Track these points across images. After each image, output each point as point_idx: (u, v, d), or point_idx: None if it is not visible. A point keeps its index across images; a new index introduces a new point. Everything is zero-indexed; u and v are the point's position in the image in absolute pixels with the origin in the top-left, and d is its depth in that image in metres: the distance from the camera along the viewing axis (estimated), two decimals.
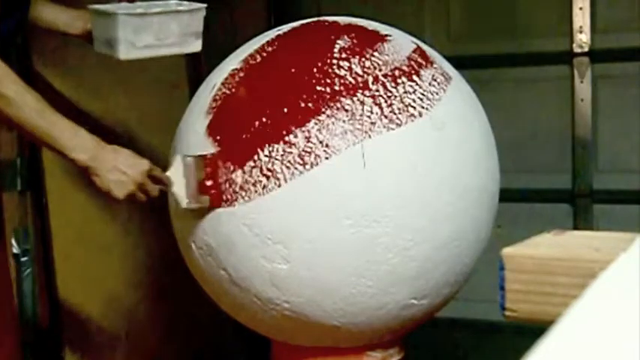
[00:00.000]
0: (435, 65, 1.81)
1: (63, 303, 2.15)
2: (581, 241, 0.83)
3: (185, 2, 1.78)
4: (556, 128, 2.75)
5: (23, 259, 2.08)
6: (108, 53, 1.65)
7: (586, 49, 2.68)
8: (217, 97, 1.80)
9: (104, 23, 1.64)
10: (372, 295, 1.67)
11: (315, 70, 1.71)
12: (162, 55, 1.71)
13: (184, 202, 1.63)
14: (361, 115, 1.64)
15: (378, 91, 1.67)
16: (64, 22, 1.78)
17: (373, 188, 1.62)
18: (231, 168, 1.69)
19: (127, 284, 2.38)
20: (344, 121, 1.63)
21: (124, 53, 1.61)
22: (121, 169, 1.53)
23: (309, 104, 1.65)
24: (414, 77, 1.73)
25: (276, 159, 1.63)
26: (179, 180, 1.63)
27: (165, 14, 1.67)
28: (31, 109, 1.47)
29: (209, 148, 1.73)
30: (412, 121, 1.66)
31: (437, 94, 1.73)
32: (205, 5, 1.72)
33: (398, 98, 1.68)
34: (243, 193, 1.66)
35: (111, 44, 1.61)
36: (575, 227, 2.68)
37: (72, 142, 1.50)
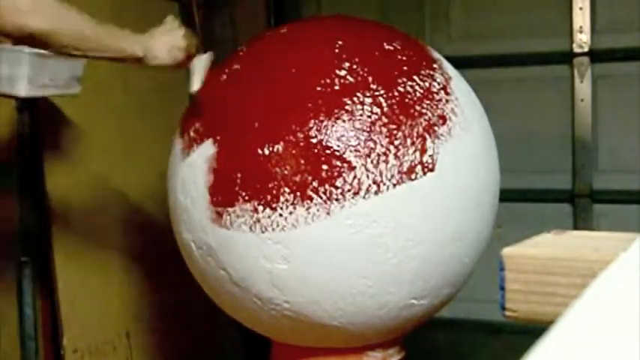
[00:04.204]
0: (434, 65, 1.81)
1: (63, 303, 2.14)
2: (581, 241, 0.83)
3: None
4: (556, 128, 2.75)
5: (23, 259, 2.08)
6: (2, 92, 1.72)
7: (586, 49, 2.68)
8: (217, 97, 1.80)
9: (5, 60, 1.69)
10: (372, 295, 1.67)
11: (315, 69, 1.71)
12: (52, 96, 1.82)
13: (194, 87, 1.77)
14: (361, 115, 1.64)
15: (378, 91, 1.67)
16: None
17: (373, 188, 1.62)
18: (231, 168, 1.69)
19: (127, 284, 2.38)
20: (344, 121, 1.63)
21: (26, 90, 1.69)
22: (169, 45, 1.70)
23: (309, 104, 1.66)
24: (414, 77, 1.73)
25: (276, 159, 1.64)
26: (199, 68, 1.78)
27: (61, 57, 1.74)
28: (77, 30, 1.53)
29: (209, 148, 1.73)
30: (412, 121, 1.66)
31: (437, 94, 1.73)
32: None
33: (398, 98, 1.68)
34: (243, 193, 1.66)
35: (10, 81, 1.68)
36: (575, 227, 2.68)
37: (126, 42, 1.62)
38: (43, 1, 1.49)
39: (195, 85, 1.77)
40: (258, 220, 1.64)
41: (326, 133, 1.63)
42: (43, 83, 1.73)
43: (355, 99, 1.65)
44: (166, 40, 1.70)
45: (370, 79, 1.68)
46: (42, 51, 1.69)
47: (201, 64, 1.78)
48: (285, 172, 1.63)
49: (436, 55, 1.88)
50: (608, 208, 2.70)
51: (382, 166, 1.62)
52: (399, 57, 1.76)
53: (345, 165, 1.61)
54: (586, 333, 0.42)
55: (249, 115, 1.70)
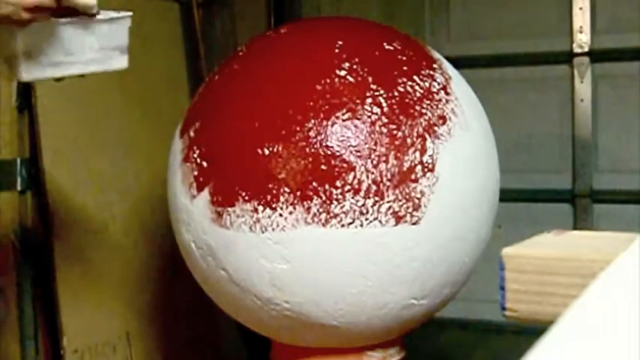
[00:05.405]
0: (434, 65, 1.81)
1: (63, 303, 2.14)
2: (581, 241, 0.83)
3: (108, 12, 1.44)
4: (556, 128, 2.75)
5: (23, 259, 2.08)
6: (7, 75, 1.42)
7: (586, 49, 2.68)
8: (217, 97, 1.81)
9: (1, 38, 1.34)
10: (372, 295, 1.67)
11: (315, 69, 1.71)
12: (76, 75, 1.43)
13: None
14: (361, 115, 1.64)
15: (377, 91, 1.67)
16: None
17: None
18: (231, 168, 1.69)
19: (127, 284, 2.38)
20: (344, 121, 1.63)
21: (27, 72, 1.34)
22: None
23: (309, 104, 1.66)
24: (414, 77, 1.73)
25: (276, 158, 1.64)
26: None
27: (76, 25, 1.35)
28: None
29: (209, 148, 1.73)
30: (412, 121, 1.66)
31: (437, 94, 1.73)
32: (130, 14, 1.41)
33: (398, 98, 1.68)
34: (243, 193, 1.66)
35: (10, 63, 1.34)
36: (575, 227, 2.68)
37: None
38: None
39: None
40: (258, 220, 1.64)
41: (326, 134, 1.63)
42: (56, 60, 1.35)
43: (355, 99, 1.65)
44: None
45: (370, 79, 1.68)
46: (49, 20, 1.33)
47: None
48: (285, 172, 1.63)
49: (436, 55, 1.88)
50: (608, 208, 2.70)
51: (382, 166, 1.62)
52: (399, 57, 1.76)
53: (345, 165, 1.61)
54: (586, 333, 0.42)
55: (250, 115, 1.70)
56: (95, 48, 1.40)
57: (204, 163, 1.74)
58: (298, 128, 1.63)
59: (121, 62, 1.46)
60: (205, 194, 1.71)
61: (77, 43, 1.37)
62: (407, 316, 1.75)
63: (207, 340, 2.66)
